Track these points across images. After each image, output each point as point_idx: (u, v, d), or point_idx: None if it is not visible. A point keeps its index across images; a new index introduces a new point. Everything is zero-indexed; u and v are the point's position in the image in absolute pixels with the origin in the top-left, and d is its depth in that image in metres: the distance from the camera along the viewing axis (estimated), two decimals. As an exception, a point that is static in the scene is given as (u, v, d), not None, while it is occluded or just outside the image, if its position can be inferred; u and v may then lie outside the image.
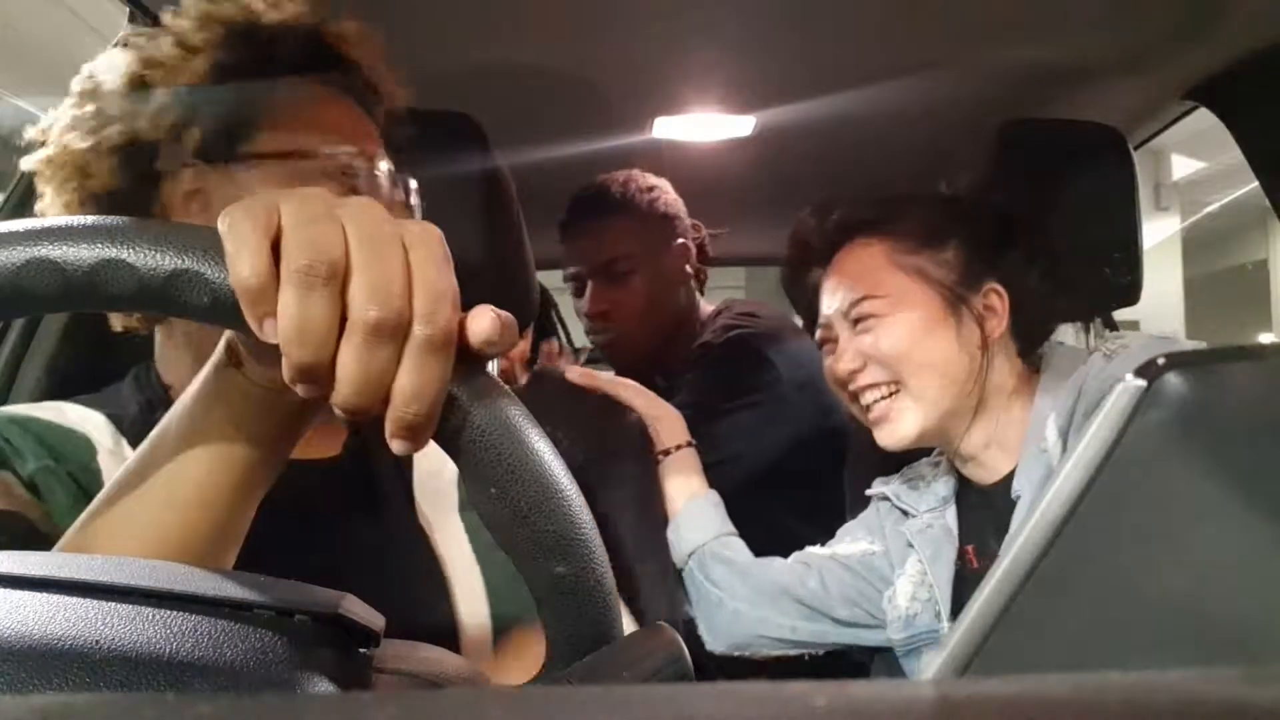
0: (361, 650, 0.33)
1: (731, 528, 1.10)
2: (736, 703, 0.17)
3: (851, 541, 1.06)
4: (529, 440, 0.35)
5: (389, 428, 0.33)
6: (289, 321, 0.32)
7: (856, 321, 0.95)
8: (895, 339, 0.92)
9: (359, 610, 0.33)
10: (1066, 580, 0.42)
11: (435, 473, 0.75)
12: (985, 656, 0.41)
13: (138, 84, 0.63)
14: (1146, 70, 1.26)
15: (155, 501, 0.41)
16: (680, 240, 1.46)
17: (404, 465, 0.75)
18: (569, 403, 1.08)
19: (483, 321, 0.34)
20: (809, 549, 1.09)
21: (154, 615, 0.29)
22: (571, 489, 0.35)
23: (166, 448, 0.41)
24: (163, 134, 0.63)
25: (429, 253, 0.34)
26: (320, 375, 0.33)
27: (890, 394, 0.93)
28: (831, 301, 0.98)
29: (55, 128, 0.65)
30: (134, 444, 0.65)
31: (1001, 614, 0.41)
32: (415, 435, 0.34)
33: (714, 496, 1.11)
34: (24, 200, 1.03)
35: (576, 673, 0.35)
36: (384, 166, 0.68)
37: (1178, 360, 0.45)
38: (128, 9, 1.05)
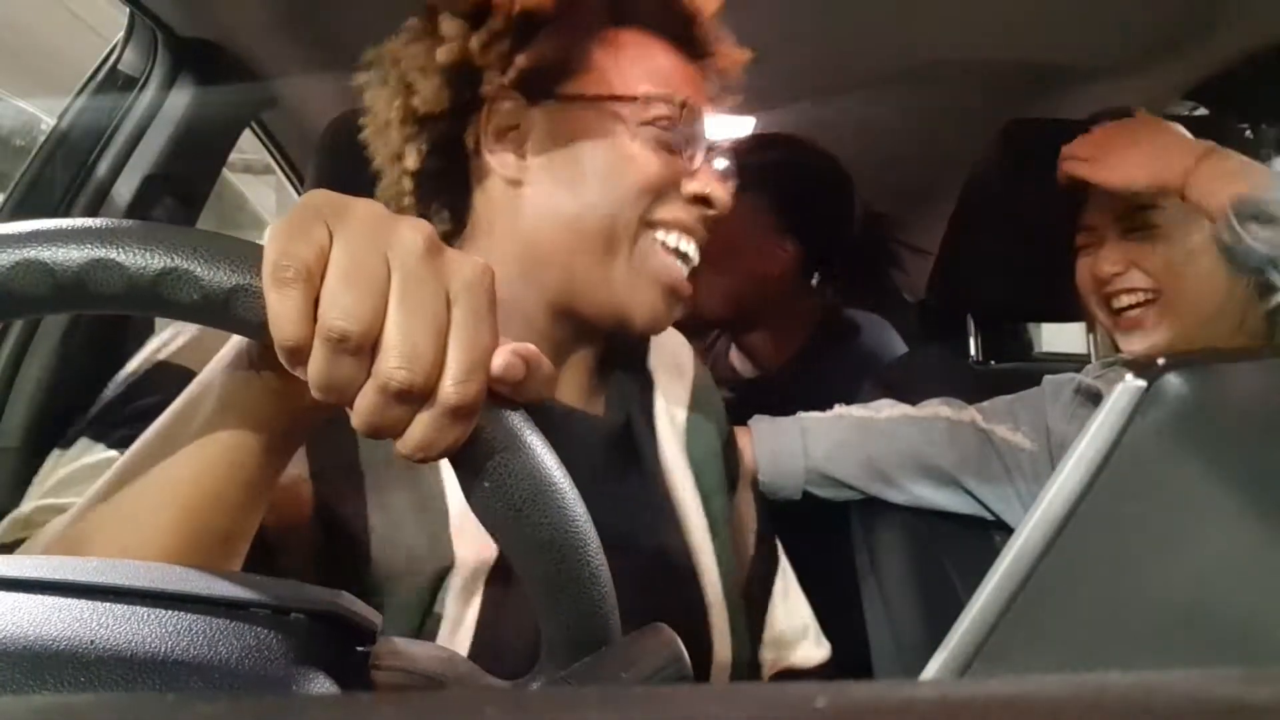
0: (359, 648, 0.33)
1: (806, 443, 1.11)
2: (736, 703, 0.17)
3: (1010, 429, 1.05)
4: (523, 436, 0.34)
5: (397, 447, 0.33)
6: (317, 372, 0.32)
7: (1131, 229, 0.93)
8: (1168, 252, 0.91)
9: (356, 608, 0.33)
10: (1066, 580, 0.42)
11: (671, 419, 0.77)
12: (985, 656, 0.41)
13: (475, 7, 0.63)
14: (1147, 70, 1.26)
15: (156, 503, 0.39)
16: None
17: (653, 420, 0.75)
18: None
19: (501, 359, 0.33)
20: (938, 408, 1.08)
21: (150, 615, 0.29)
22: (566, 485, 0.35)
23: (167, 446, 0.40)
24: (491, 61, 0.63)
25: (473, 305, 0.33)
26: (344, 401, 0.33)
27: (1147, 301, 0.92)
28: (1106, 204, 0.96)
29: (390, 44, 0.66)
30: None
31: (1001, 614, 0.41)
32: (422, 462, 0.34)
33: (755, 424, 1.12)
34: (24, 200, 1.03)
35: (576, 673, 0.35)
36: (702, 123, 0.69)
37: (1178, 360, 0.45)
38: (128, 10, 1.05)
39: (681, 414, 0.77)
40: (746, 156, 1.39)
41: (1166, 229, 0.91)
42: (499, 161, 0.65)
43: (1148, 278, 0.92)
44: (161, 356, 0.57)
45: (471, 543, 0.59)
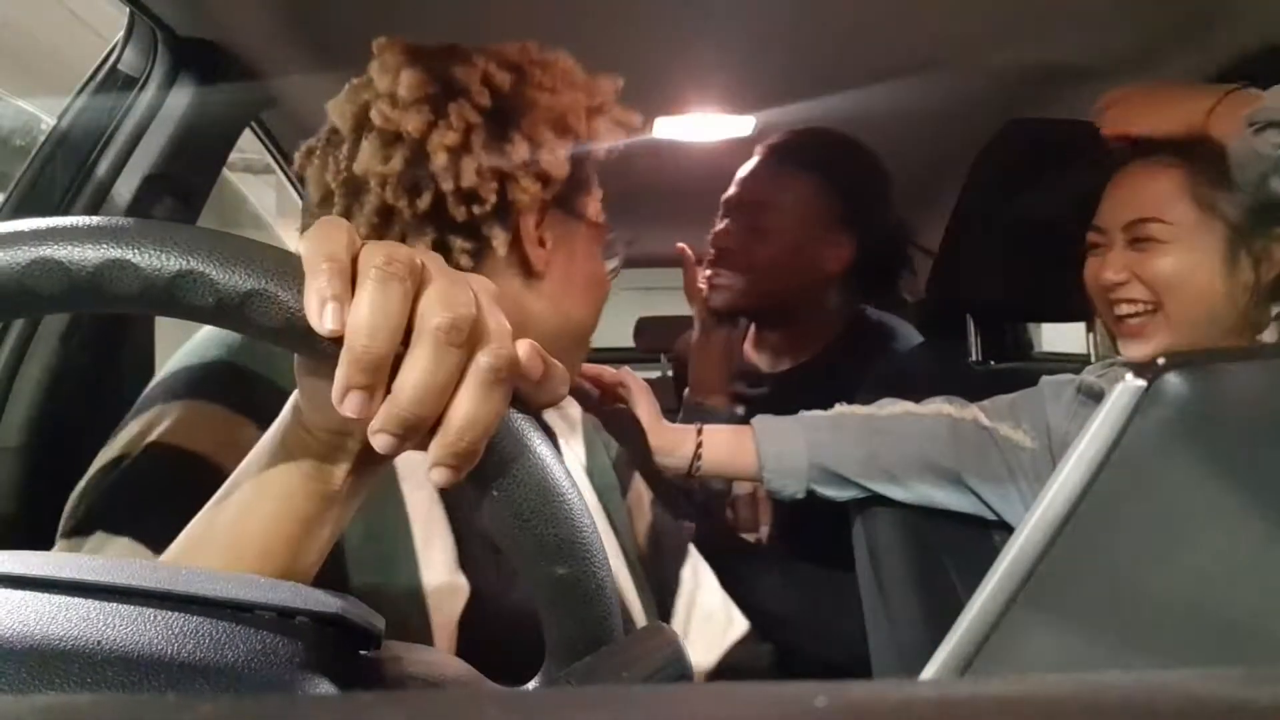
0: (362, 652, 0.33)
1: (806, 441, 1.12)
2: (736, 703, 0.17)
3: (1012, 427, 1.06)
4: (531, 443, 0.35)
5: (436, 454, 0.33)
6: (360, 319, 0.32)
7: (1135, 239, 0.95)
8: (1168, 267, 0.92)
9: (360, 611, 0.33)
10: (1066, 580, 0.42)
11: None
12: (985, 656, 0.41)
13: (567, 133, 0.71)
14: (1147, 70, 1.26)
15: (220, 548, 0.40)
16: None
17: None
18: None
19: (524, 350, 0.35)
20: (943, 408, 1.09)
21: (155, 616, 0.29)
22: (573, 492, 0.35)
23: (236, 496, 0.41)
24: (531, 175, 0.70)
25: (492, 298, 0.35)
26: (376, 383, 0.32)
27: (1147, 311, 0.94)
28: (1114, 210, 0.97)
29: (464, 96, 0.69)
30: None
31: (1001, 614, 0.41)
32: (461, 465, 0.33)
33: (758, 423, 1.13)
34: (24, 200, 1.03)
35: (576, 673, 0.35)
36: None
37: (1178, 360, 0.45)
38: (128, 10, 1.05)
39: (579, 446, 0.86)
40: (815, 152, 1.40)
41: (1170, 242, 0.93)
42: (535, 255, 0.72)
43: (1148, 290, 0.93)
44: (153, 438, 0.56)
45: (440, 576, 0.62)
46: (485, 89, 0.68)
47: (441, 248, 0.68)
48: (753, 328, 1.53)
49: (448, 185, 0.66)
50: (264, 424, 0.42)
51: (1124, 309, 0.95)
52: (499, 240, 0.69)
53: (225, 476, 0.41)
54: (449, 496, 0.66)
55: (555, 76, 0.72)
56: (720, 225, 1.40)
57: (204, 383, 0.57)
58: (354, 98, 0.69)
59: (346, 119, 0.69)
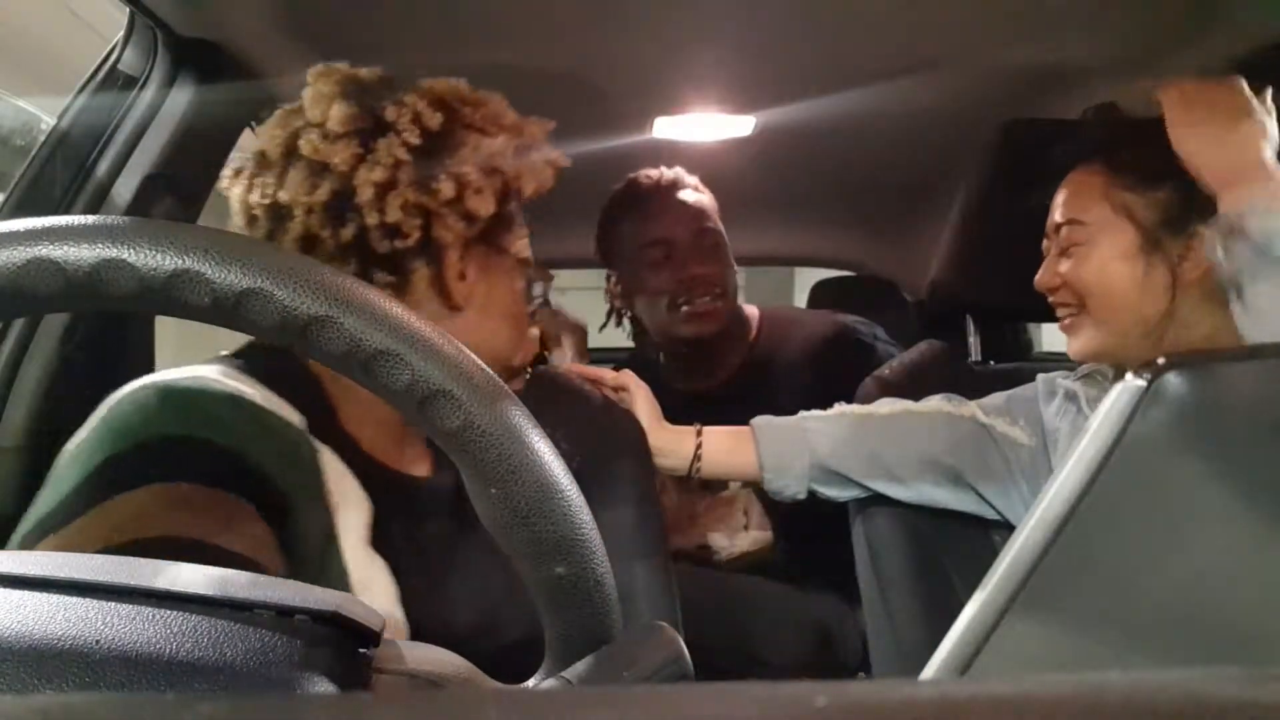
0: (361, 650, 0.33)
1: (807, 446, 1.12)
2: (736, 703, 0.17)
3: (1009, 423, 1.08)
4: (530, 441, 0.35)
5: None
6: None
7: (1063, 243, 0.99)
8: (1085, 269, 0.97)
9: (358, 610, 0.33)
10: (1066, 580, 0.42)
11: None
12: (985, 656, 0.41)
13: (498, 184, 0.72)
14: (1146, 70, 1.26)
15: None
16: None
17: None
18: (568, 403, 1.08)
19: None
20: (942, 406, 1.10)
21: (154, 615, 0.29)
22: (572, 490, 0.35)
23: None
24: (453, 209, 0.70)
25: None
26: None
27: (1075, 312, 1.00)
28: (1051, 215, 1.03)
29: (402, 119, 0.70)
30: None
31: (1001, 614, 0.41)
32: None
33: (758, 423, 1.14)
34: (25, 200, 1.03)
35: (576, 673, 0.35)
36: None
37: (1178, 360, 0.45)
38: (128, 9, 1.05)
39: None
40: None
41: (1085, 244, 0.97)
42: (455, 288, 0.72)
43: (1072, 291, 0.99)
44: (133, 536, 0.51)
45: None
46: (415, 126, 0.68)
47: (364, 278, 0.67)
48: (662, 356, 1.59)
49: (372, 219, 0.66)
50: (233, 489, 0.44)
51: (1060, 310, 1.01)
52: (420, 274, 0.70)
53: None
54: (379, 540, 0.66)
55: (486, 117, 0.73)
56: (674, 260, 1.43)
57: (162, 463, 0.52)
58: (284, 124, 0.70)
59: (276, 145, 0.69)
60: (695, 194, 1.47)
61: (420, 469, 0.76)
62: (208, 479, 0.52)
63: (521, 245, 0.78)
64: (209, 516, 0.51)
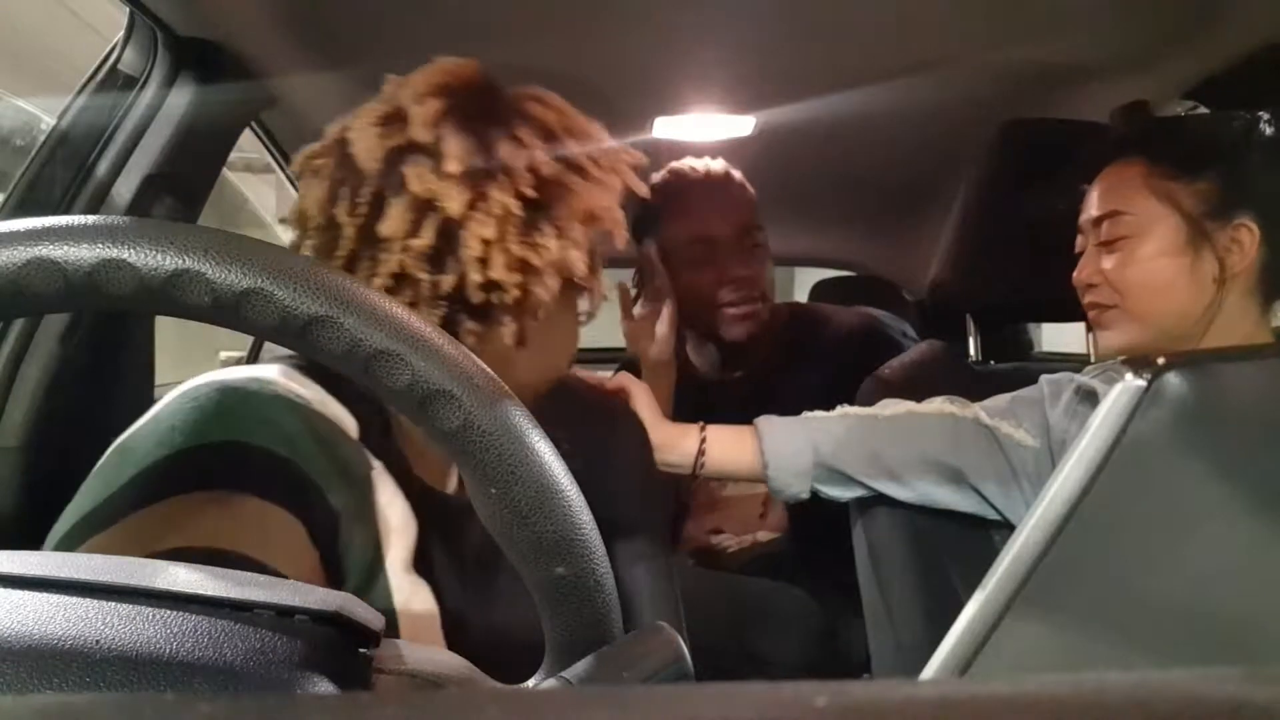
0: (361, 650, 0.33)
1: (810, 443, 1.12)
2: (736, 703, 0.17)
3: (1014, 425, 1.07)
4: (530, 441, 0.35)
5: None
6: None
7: (1104, 237, 0.97)
8: (1129, 263, 0.95)
9: (359, 610, 0.33)
10: (1066, 580, 0.42)
11: None
12: (985, 656, 0.41)
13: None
14: (1146, 70, 1.26)
15: None
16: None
17: None
18: (569, 402, 1.09)
19: None
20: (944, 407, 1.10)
21: (154, 615, 0.29)
22: (572, 490, 0.35)
23: None
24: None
25: None
26: None
27: (1111, 306, 0.98)
28: (1088, 209, 1.01)
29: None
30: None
31: (1001, 614, 0.41)
32: None
33: (762, 422, 1.13)
34: (25, 200, 1.03)
35: (576, 673, 0.35)
36: None
37: (1178, 360, 0.45)
38: (128, 9, 1.05)
39: None
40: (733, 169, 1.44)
41: (1131, 236, 0.95)
42: (529, 329, 0.67)
43: (1113, 286, 0.96)
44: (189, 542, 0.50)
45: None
46: (530, 174, 0.63)
47: (450, 325, 0.64)
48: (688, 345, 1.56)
49: (475, 275, 0.61)
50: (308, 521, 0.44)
51: (1091, 307, 0.99)
52: (509, 329, 0.65)
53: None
54: (420, 562, 0.64)
55: (590, 154, 0.67)
56: (719, 260, 1.39)
57: (218, 468, 0.51)
58: (385, 134, 0.63)
59: (373, 159, 0.62)
60: (741, 190, 1.42)
61: (453, 484, 0.73)
62: (262, 490, 0.51)
63: (596, 280, 0.71)
64: (259, 532, 0.49)
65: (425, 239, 0.61)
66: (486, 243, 0.61)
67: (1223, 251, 0.92)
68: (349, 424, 0.60)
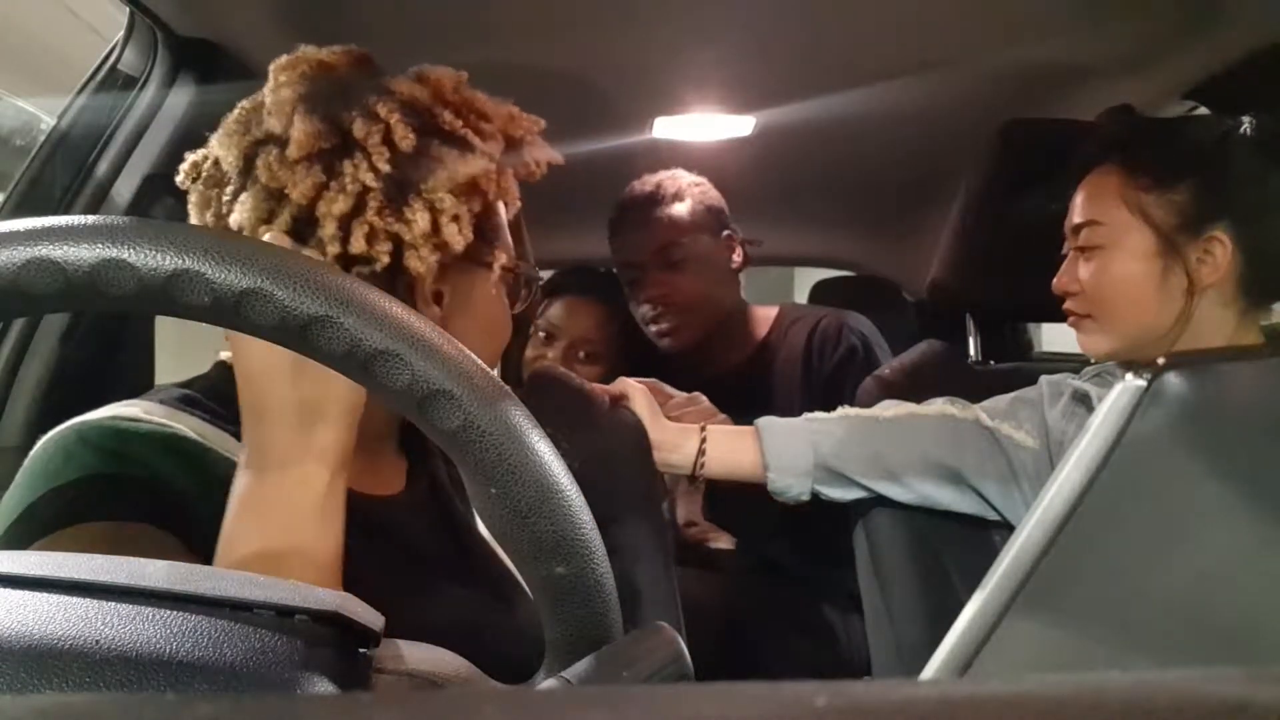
0: (361, 650, 0.33)
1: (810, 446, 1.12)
2: (736, 703, 0.17)
3: (1014, 426, 1.08)
4: (530, 441, 0.35)
5: None
6: None
7: (1080, 245, 0.99)
8: (1102, 272, 0.97)
9: (359, 610, 0.33)
10: (1066, 580, 0.42)
11: None
12: (985, 656, 0.41)
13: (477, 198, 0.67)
14: (1146, 70, 1.26)
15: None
16: (727, 232, 1.52)
17: (459, 489, 0.77)
18: (569, 403, 1.09)
19: None
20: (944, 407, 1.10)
21: (154, 615, 0.29)
22: (572, 490, 0.35)
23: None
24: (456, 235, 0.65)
25: None
26: None
27: (1085, 315, 1.00)
28: (1070, 216, 1.02)
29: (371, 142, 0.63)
30: None
31: (1001, 614, 0.41)
32: None
33: (763, 423, 1.13)
34: (24, 200, 1.03)
35: (576, 672, 0.35)
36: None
37: (1178, 360, 0.45)
38: (128, 9, 1.05)
39: None
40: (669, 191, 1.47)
41: (1104, 246, 0.96)
42: (429, 313, 0.67)
43: (1087, 293, 0.98)
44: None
45: None
46: (385, 148, 0.61)
47: None
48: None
49: (334, 249, 0.60)
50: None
51: (1069, 312, 1.01)
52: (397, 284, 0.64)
53: None
54: (358, 566, 0.63)
55: (470, 124, 0.66)
56: (636, 283, 1.48)
57: (82, 503, 0.52)
58: (243, 129, 0.63)
59: (233, 156, 0.62)
60: (671, 206, 1.47)
61: (393, 487, 0.72)
62: (125, 513, 0.51)
63: (506, 258, 0.71)
64: (132, 551, 0.50)
65: (279, 225, 0.60)
66: (342, 219, 0.60)
67: (1194, 265, 0.92)
68: (231, 446, 0.59)
